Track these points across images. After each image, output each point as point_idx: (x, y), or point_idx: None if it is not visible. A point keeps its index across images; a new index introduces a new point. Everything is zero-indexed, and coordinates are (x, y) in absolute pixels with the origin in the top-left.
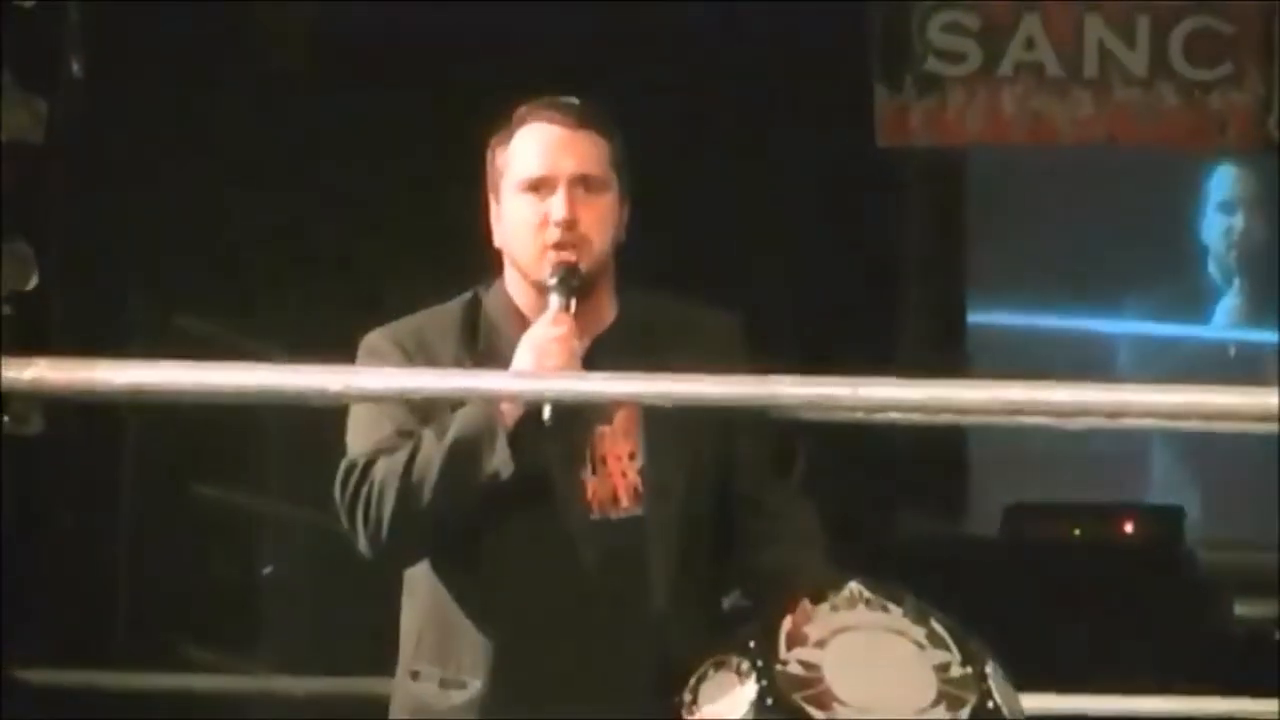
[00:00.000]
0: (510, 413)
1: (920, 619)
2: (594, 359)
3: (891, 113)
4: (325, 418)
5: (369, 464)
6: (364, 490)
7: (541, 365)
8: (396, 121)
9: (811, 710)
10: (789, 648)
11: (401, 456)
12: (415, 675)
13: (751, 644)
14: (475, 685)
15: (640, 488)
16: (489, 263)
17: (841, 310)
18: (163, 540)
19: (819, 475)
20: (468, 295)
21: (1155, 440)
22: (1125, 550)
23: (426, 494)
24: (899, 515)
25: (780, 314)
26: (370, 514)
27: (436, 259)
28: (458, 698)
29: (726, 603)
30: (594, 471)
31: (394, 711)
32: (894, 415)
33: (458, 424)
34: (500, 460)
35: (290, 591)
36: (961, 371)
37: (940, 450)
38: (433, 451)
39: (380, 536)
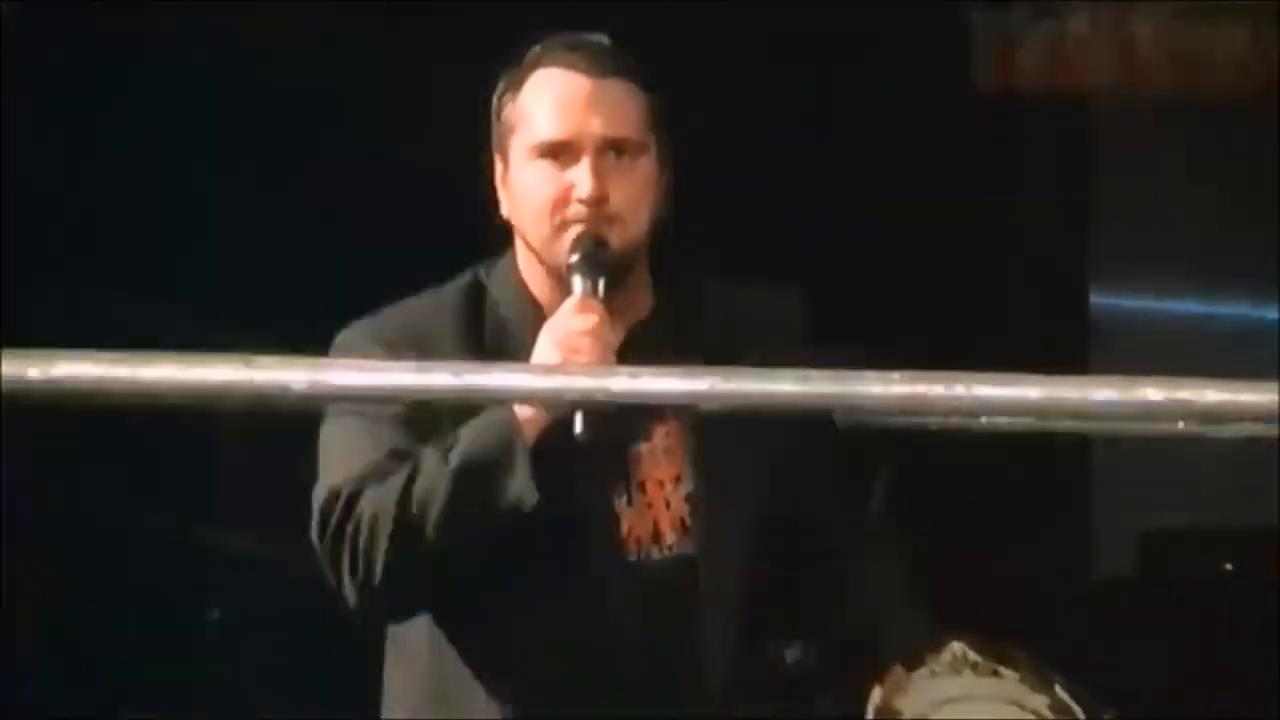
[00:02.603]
0: (531, 425)
1: (1041, 685)
2: (628, 357)
3: (995, 48)
4: (290, 425)
5: (355, 494)
6: (349, 528)
7: (568, 364)
8: (378, 65)
9: None
10: None
11: (396, 484)
12: None
13: None
14: None
15: (688, 520)
16: (492, 236)
17: (936, 292)
18: (88, 577)
19: (908, 499)
20: (467, 278)
21: None
22: None
23: (429, 531)
24: (1010, 547)
25: (860, 296)
26: (359, 557)
27: (431, 231)
28: None
29: (789, 655)
30: (629, 501)
31: None
32: (1002, 421)
33: (466, 440)
34: (521, 486)
35: (243, 640)
36: (1084, 367)
37: (1060, 465)
38: (436, 476)
39: (372, 585)
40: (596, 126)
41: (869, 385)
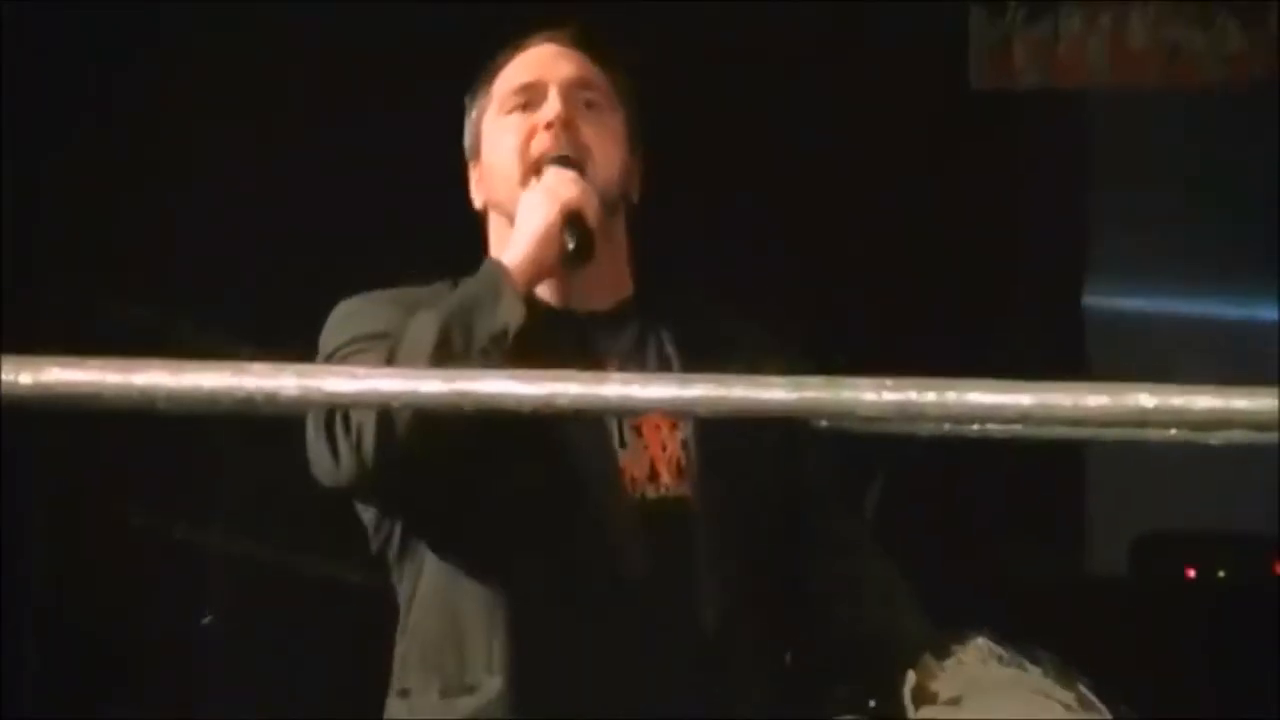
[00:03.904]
0: (523, 272)
1: (1065, 681)
2: (608, 337)
3: (990, 46)
4: (281, 429)
5: (351, 352)
6: None
7: (554, 204)
8: (371, 73)
9: None
10: (916, 706)
11: (389, 342)
12: (405, 693)
13: (872, 703)
14: (492, 683)
15: (684, 463)
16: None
17: (927, 296)
18: (78, 580)
19: (900, 505)
20: (444, 286)
21: None
22: (1278, 591)
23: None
24: (1002, 552)
25: (852, 300)
26: (351, 418)
27: (424, 236)
28: (467, 704)
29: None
30: (623, 444)
31: None
32: (993, 427)
33: (454, 293)
34: (509, 310)
35: (234, 646)
36: (1077, 372)
37: (1052, 471)
38: (425, 325)
39: (365, 446)
40: (564, 68)
41: (862, 392)
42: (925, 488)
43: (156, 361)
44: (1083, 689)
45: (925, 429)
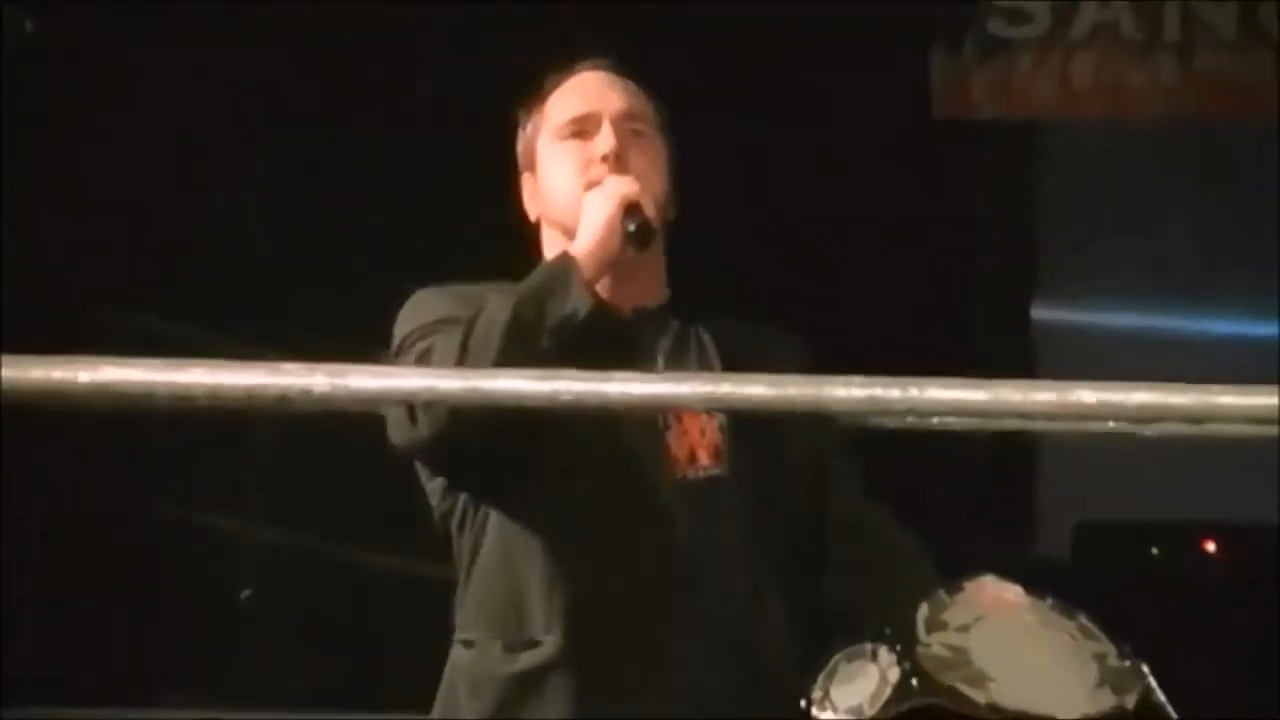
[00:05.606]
0: (588, 264)
1: (1067, 614)
2: (654, 330)
3: (949, 81)
4: (312, 425)
5: (426, 334)
6: (413, 357)
7: (614, 197)
8: (400, 87)
9: (965, 689)
10: (929, 632)
11: (463, 324)
12: (469, 644)
13: (887, 630)
14: (551, 640)
15: (721, 446)
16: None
17: (892, 306)
18: (126, 565)
19: (869, 491)
20: (505, 284)
21: (1243, 450)
22: (1208, 572)
23: (493, 349)
24: (956, 534)
25: (825, 308)
26: None
27: (456, 246)
28: (529, 658)
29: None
30: (666, 426)
31: (445, 687)
32: (951, 420)
33: (525, 280)
34: (576, 299)
35: (234, 647)
36: (1027, 375)
37: (1003, 461)
38: (498, 309)
39: (439, 410)
40: (615, 100)
41: (834, 389)
42: (891, 476)
43: (199, 361)
44: (1083, 619)
45: (890, 422)
